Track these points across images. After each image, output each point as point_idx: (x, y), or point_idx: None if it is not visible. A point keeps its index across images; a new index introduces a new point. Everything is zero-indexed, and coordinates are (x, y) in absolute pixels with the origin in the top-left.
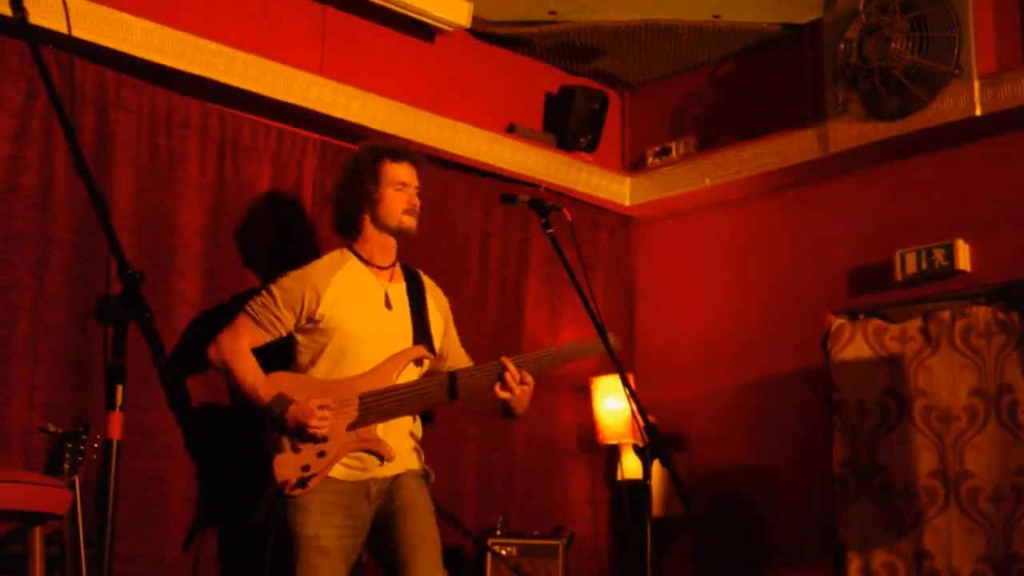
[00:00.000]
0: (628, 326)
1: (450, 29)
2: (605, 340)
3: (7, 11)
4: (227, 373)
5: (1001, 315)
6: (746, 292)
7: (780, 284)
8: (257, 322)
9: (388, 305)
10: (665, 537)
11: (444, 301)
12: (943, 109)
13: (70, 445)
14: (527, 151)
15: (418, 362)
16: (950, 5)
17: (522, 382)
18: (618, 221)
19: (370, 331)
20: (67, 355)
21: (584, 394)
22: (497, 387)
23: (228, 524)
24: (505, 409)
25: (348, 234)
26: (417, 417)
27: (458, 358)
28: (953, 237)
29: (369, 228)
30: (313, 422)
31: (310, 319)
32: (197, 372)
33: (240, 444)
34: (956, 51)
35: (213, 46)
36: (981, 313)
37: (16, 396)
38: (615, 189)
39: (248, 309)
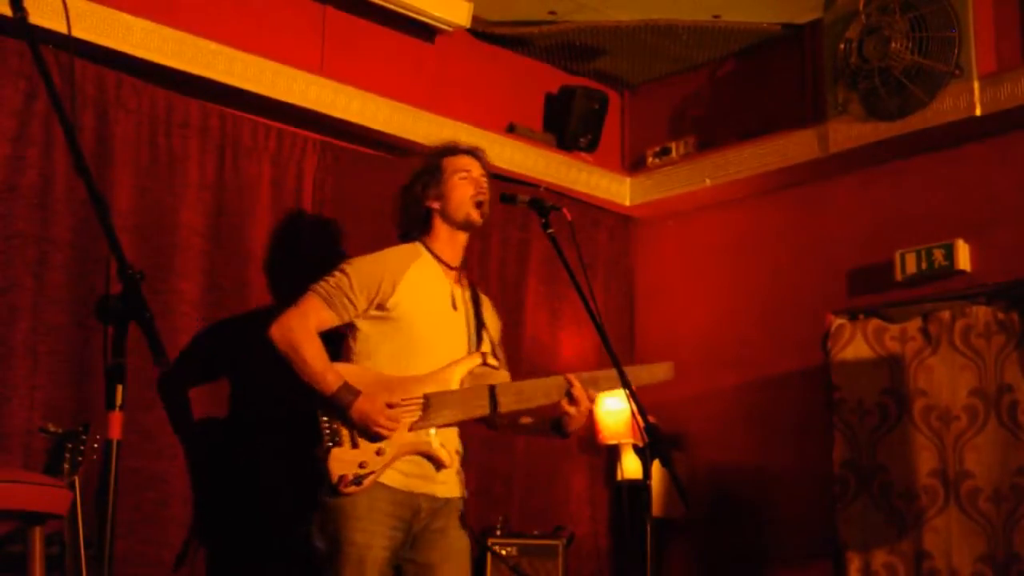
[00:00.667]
0: (628, 326)
1: (450, 29)
2: (606, 341)
3: (7, 11)
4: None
5: (1001, 315)
6: (746, 292)
7: (780, 284)
8: (329, 303)
9: (454, 306)
10: (665, 537)
11: (496, 316)
12: (943, 109)
13: (70, 445)
14: (527, 151)
15: (472, 372)
16: (950, 5)
17: (588, 399)
18: (618, 221)
19: (435, 329)
20: (67, 355)
21: None
22: (564, 402)
23: (228, 527)
24: (558, 427)
25: (419, 232)
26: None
27: (503, 375)
28: (953, 237)
29: (439, 225)
30: (382, 420)
31: (380, 307)
32: (199, 378)
33: (242, 450)
34: (956, 51)
35: (213, 46)
36: (981, 313)
37: (16, 396)
38: (615, 189)
39: (319, 290)
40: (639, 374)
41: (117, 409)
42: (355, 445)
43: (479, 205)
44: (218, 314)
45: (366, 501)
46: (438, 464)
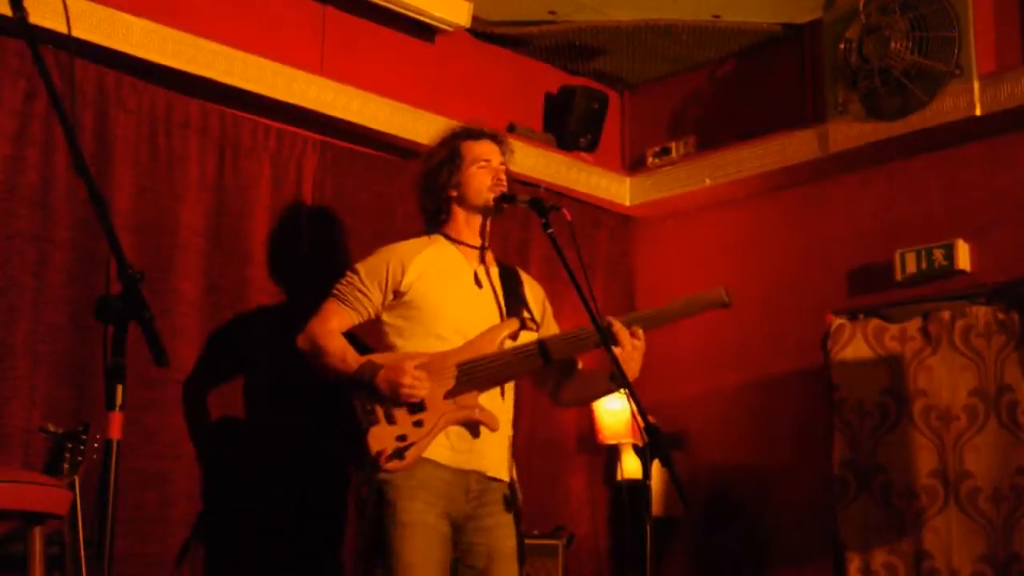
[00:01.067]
0: None
1: (450, 29)
2: (605, 342)
3: (7, 11)
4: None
5: (1001, 315)
6: (746, 292)
7: (780, 284)
8: (343, 301)
9: (478, 284)
10: (665, 537)
11: (541, 292)
12: (943, 109)
13: (70, 445)
14: (527, 151)
15: (513, 336)
16: (950, 5)
17: (633, 336)
18: (618, 221)
19: (458, 308)
20: (67, 355)
21: None
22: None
23: (230, 528)
24: (615, 378)
25: (438, 225)
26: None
27: None
28: (953, 237)
29: (457, 212)
30: (407, 379)
31: (396, 292)
32: (201, 379)
33: (246, 450)
34: (956, 51)
35: (213, 46)
36: (981, 313)
37: (16, 396)
38: (615, 189)
39: (333, 292)
40: (692, 304)
41: (117, 409)
42: (391, 420)
43: (496, 198)
44: (218, 314)
45: (415, 474)
46: (484, 426)
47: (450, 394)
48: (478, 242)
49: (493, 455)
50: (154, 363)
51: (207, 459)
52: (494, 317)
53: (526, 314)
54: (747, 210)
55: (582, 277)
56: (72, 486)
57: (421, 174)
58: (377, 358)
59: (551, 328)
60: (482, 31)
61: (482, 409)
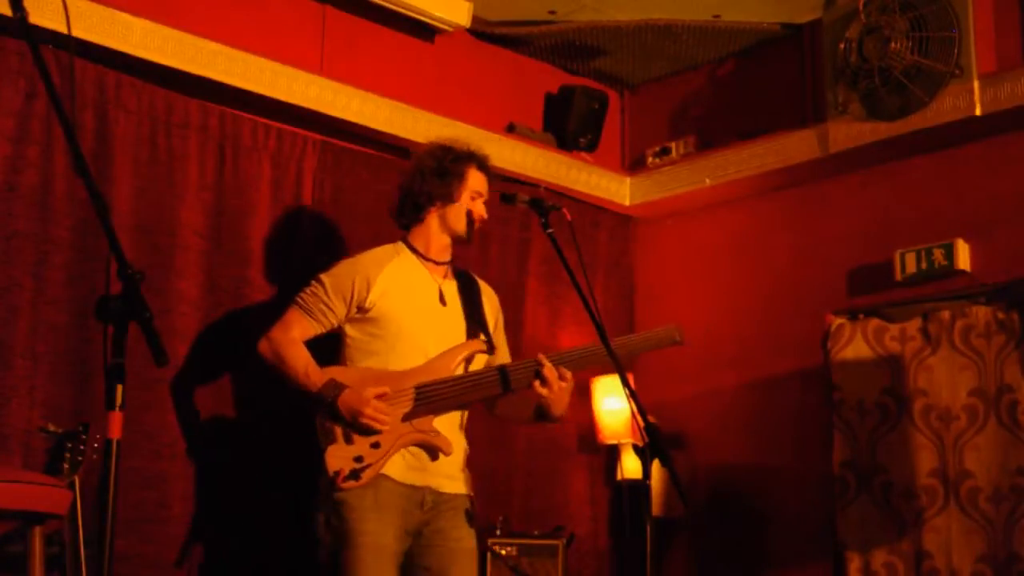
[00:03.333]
0: (628, 326)
1: (450, 29)
2: (605, 342)
3: (7, 11)
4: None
5: (1001, 315)
6: (746, 292)
7: (780, 284)
8: (307, 312)
9: (442, 301)
10: (665, 537)
11: (496, 301)
12: (943, 109)
13: (70, 445)
14: (527, 151)
15: (469, 359)
16: (950, 5)
17: (560, 378)
18: (618, 221)
19: (422, 325)
20: (67, 355)
21: (584, 394)
22: (536, 383)
23: (228, 527)
24: (540, 412)
25: (408, 222)
26: (465, 436)
27: (504, 359)
28: (953, 237)
29: (432, 222)
30: (368, 411)
31: (360, 308)
32: (201, 378)
33: (244, 449)
34: (956, 51)
35: (213, 46)
36: (981, 313)
37: (16, 396)
38: (615, 189)
39: (297, 300)
40: (645, 341)
41: (117, 409)
42: (349, 441)
43: (473, 227)
44: (218, 314)
45: (371, 493)
46: (438, 452)
47: (407, 417)
48: (444, 258)
49: (447, 474)
50: (154, 363)
51: (205, 459)
52: (459, 335)
53: (483, 337)
54: (747, 210)
55: (582, 277)
56: (72, 486)
57: (427, 166)
58: (338, 374)
59: (500, 337)
60: (482, 31)
61: (437, 433)
